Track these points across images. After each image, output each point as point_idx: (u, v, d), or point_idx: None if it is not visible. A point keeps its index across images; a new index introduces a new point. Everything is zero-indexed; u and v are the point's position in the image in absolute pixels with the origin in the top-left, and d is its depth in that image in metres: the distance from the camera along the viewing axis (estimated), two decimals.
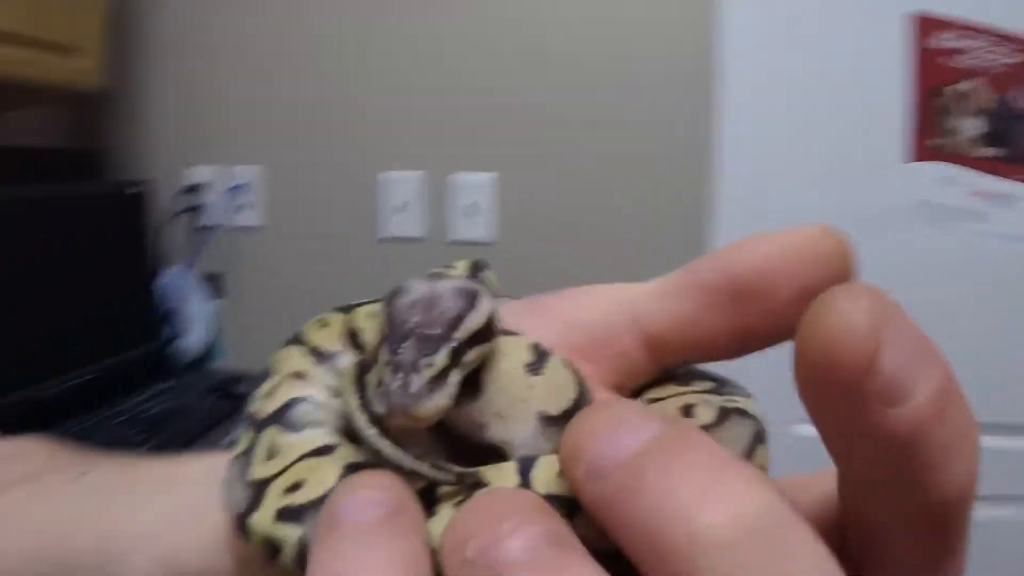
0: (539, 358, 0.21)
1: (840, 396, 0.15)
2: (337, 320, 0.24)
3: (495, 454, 0.20)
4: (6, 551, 0.40)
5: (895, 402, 0.14)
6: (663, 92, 1.34)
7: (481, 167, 1.51)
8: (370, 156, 1.60)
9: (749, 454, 0.20)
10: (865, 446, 0.15)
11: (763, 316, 0.20)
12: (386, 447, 0.18)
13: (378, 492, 0.17)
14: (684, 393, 0.22)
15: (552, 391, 0.20)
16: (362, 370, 0.20)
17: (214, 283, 1.81)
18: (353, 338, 0.23)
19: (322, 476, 0.20)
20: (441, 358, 0.18)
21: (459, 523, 0.16)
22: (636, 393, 0.24)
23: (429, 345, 0.18)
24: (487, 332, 0.20)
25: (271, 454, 0.21)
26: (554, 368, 0.21)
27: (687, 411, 0.21)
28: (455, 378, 0.18)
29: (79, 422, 1.45)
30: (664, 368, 0.23)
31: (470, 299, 0.20)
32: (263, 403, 0.22)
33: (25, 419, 1.41)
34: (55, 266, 1.47)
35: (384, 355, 0.18)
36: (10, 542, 0.40)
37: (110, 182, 1.78)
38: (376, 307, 0.22)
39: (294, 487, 0.20)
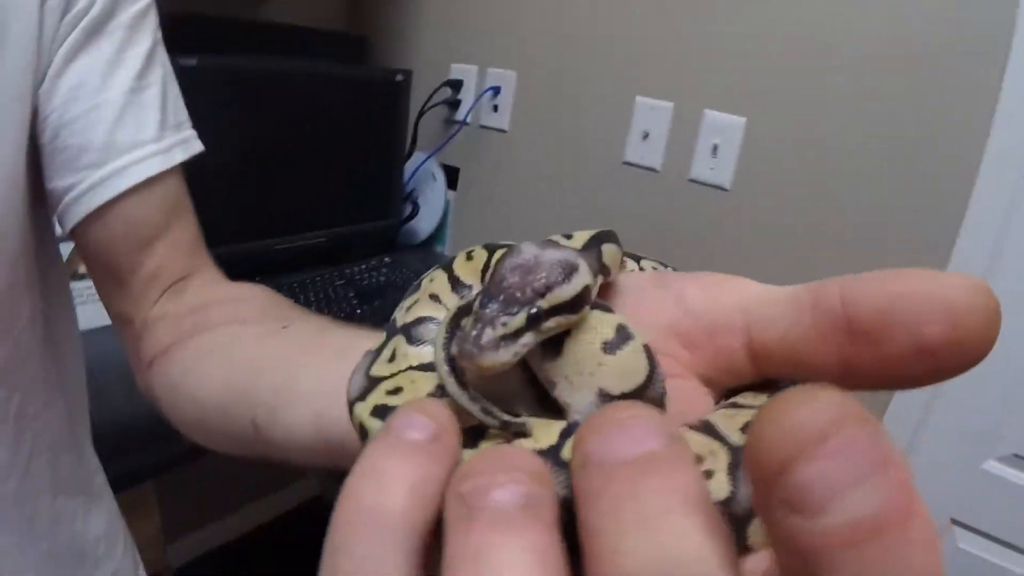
0: (620, 338, 0.22)
1: (757, 486, 0.14)
2: (481, 256, 0.26)
3: (560, 410, 0.22)
4: (208, 375, 0.48)
5: (803, 513, 0.13)
6: (942, 77, 1.20)
7: (732, 109, 1.45)
8: (624, 79, 1.58)
9: None
10: (776, 542, 0.14)
11: (874, 360, 0.19)
12: (450, 383, 0.20)
13: (425, 418, 0.19)
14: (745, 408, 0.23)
15: (619, 372, 0.21)
16: (461, 312, 0.22)
17: (451, 176, 1.91)
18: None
19: (419, 388, 0.23)
20: (518, 320, 0.20)
21: (470, 463, 0.18)
22: (731, 392, 0.24)
23: (512, 306, 0.20)
24: (574, 304, 0.21)
25: (392, 357, 0.25)
26: (631, 351, 0.22)
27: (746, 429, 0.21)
28: (527, 339, 0.20)
29: (305, 276, 1.62)
30: (765, 376, 0.23)
31: (567, 271, 0.21)
32: (403, 314, 0.25)
33: (261, 266, 1.60)
34: (317, 135, 1.62)
35: (476, 305, 0.20)
36: (212, 368, 0.48)
37: (379, 68, 1.91)
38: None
39: (396, 390, 0.24)
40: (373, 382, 0.24)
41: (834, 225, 1.36)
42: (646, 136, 1.57)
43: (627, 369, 0.21)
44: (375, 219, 1.80)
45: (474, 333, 0.19)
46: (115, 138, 0.53)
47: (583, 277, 0.21)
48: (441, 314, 0.25)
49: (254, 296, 0.56)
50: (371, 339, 0.34)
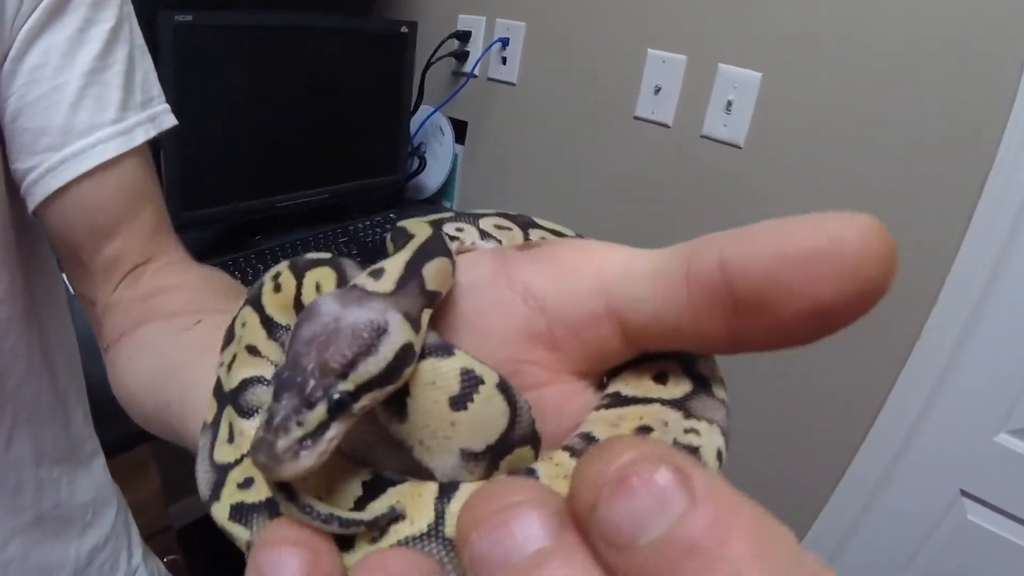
0: (467, 388, 0.19)
1: (583, 533, 0.15)
2: (289, 285, 0.23)
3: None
4: (137, 371, 0.47)
5: (619, 547, 0.14)
6: (974, 37, 1.14)
7: (747, 63, 1.39)
8: (636, 31, 1.52)
9: None
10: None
11: (765, 327, 0.17)
12: (280, 499, 0.18)
13: (290, 553, 0.17)
14: (649, 402, 0.21)
15: (477, 427, 0.19)
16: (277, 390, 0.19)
17: (459, 130, 1.87)
18: (300, 307, 0.23)
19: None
20: (315, 416, 0.17)
21: None
22: (615, 371, 0.22)
23: (308, 398, 0.17)
24: (390, 374, 0.18)
25: (231, 436, 0.23)
26: (483, 401, 0.19)
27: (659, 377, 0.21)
28: (333, 432, 0.18)
29: (309, 234, 1.61)
30: (647, 352, 0.21)
31: (373, 336, 0.18)
32: (225, 375, 0.23)
33: (264, 224, 1.59)
34: (320, 90, 1.59)
35: (269, 396, 0.18)
36: (140, 364, 0.48)
37: (384, 19, 1.86)
38: (323, 270, 0.23)
39: (247, 482, 0.21)
40: (221, 473, 0.22)
41: (849, 186, 1.32)
42: (658, 90, 1.51)
43: (484, 421, 0.19)
44: (381, 174, 1.77)
45: (268, 438, 0.17)
46: (73, 120, 0.52)
47: (396, 337, 0.19)
48: (264, 370, 0.23)
49: (196, 284, 0.56)
50: None
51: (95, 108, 0.53)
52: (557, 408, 0.22)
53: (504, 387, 0.19)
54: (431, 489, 0.19)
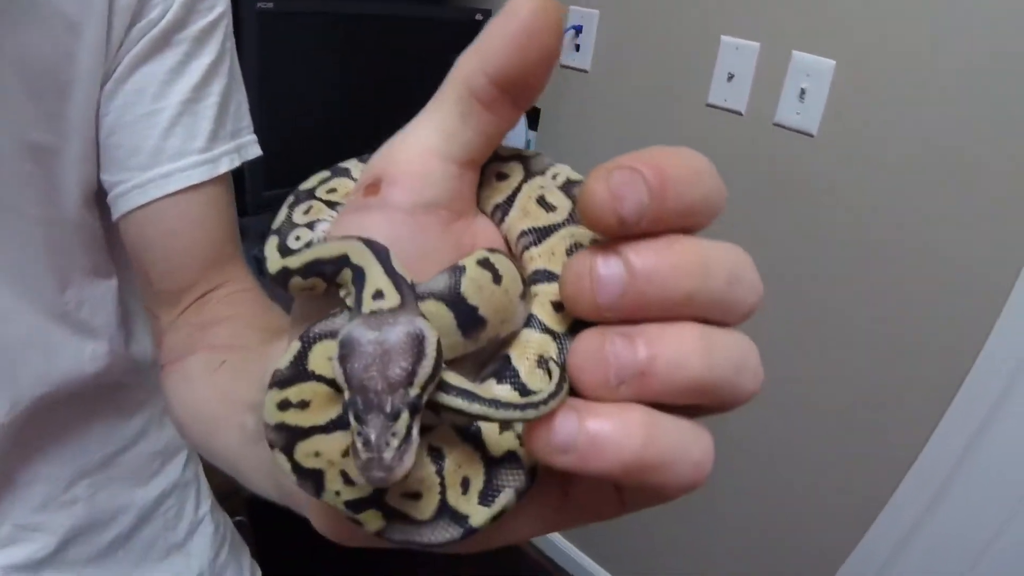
0: (492, 270, 0.24)
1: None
2: (314, 391, 0.25)
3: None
4: (184, 412, 0.51)
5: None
6: None
7: (821, 51, 1.37)
8: (709, 17, 1.52)
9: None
10: None
11: (535, 90, 0.24)
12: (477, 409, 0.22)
13: None
14: (520, 187, 0.27)
15: (515, 282, 0.24)
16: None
17: (532, 116, 1.89)
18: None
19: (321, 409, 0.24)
20: (401, 424, 0.20)
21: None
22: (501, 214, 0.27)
23: (392, 413, 0.20)
24: (438, 366, 0.21)
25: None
26: (505, 265, 0.24)
27: (542, 201, 0.26)
28: (415, 430, 0.21)
29: None
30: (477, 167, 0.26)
31: (417, 345, 0.21)
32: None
33: None
34: (397, 76, 1.64)
35: (353, 421, 0.21)
36: (185, 407, 0.51)
37: (459, 7, 1.89)
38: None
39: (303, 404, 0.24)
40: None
41: (922, 176, 1.29)
42: (731, 77, 1.51)
43: (513, 277, 0.24)
44: None
45: (374, 456, 0.20)
46: (165, 144, 0.55)
47: (430, 336, 0.21)
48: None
49: (247, 318, 0.57)
50: (249, 390, 0.37)
51: (186, 136, 0.56)
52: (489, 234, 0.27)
53: (494, 254, 0.24)
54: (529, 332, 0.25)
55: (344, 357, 0.21)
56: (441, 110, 0.24)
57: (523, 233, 0.26)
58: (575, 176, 0.27)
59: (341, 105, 1.54)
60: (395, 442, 0.20)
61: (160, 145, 0.55)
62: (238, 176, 0.63)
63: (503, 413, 0.21)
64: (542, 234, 0.26)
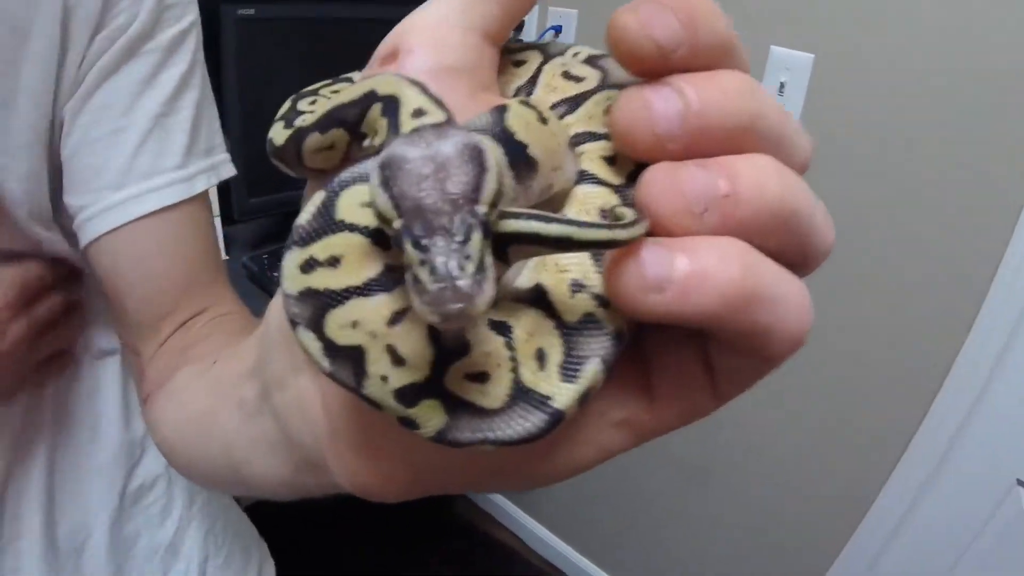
0: (539, 115, 0.21)
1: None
2: (347, 243, 0.20)
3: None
4: (171, 430, 0.47)
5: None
6: None
7: (800, 46, 1.38)
8: None
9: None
10: None
11: None
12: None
13: None
14: (540, 68, 0.25)
15: (562, 129, 0.22)
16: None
17: None
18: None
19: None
20: (474, 246, 0.16)
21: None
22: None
23: (460, 231, 0.16)
24: (502, 183, 0.18)
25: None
26: (548, 112, 0.22)
27: (567, 75, 0.24)
28: (489, 256, 0.17)
29: None
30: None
31: (478, 157, 0.17)
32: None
33: None
34: None
35: (410, 250, 0.16)
36: (172, 423, 0.47)
37: None
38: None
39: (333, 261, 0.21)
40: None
41: (903, 166, 1.30)
42: None
43: (559, 124, 0.22)
44: None
45: (446, 285, 0.16)
46: (136, 162, 0.51)
47: (489, 149, 0.18)
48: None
49: (236, 330, 0.54)
50: (246, 366, 0.34)
51: (158, 152, 0.52)
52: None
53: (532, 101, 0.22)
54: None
55: (388, 180, 0.17)
56: None
57: (554, 106, 0.24)
58: (596, 52, 0.25)
59: None
60: (470, 266, 0.16)
61: (130, 163, 0.51)
62: (223, 184, 0.60)
63: (590, 233, 0.18)
64: (575, 103, 0.23)
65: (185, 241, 0.54)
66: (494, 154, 0.18)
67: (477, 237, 0.16)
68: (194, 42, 0.56)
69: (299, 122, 0.24)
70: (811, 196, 0.20)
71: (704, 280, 0.17)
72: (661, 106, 0.19)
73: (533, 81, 0.25)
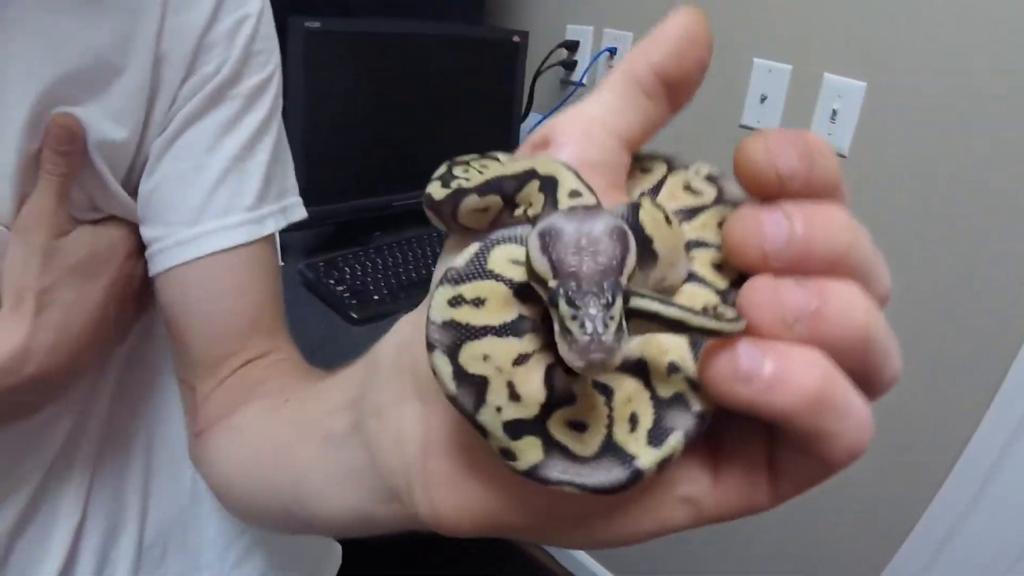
0: (667, 218, 0.24)
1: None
2: (492, 290, 0.23)
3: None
4: (233, 457, 0.48)
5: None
6: None
7: (852, 73, 1.39)
8: (742, 40, 1.54)
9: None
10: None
11: (688, 94, 0.27)
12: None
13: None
14: (664, 179, 0.28)
15: (679, 239, 0.25)
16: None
17: None
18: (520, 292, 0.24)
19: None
20: (617, 309, 0.19)
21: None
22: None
23: (607, 296, 0.19)
24: (635, 266, 0.21)
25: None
26: (669, 221, 0.25)
27: (688, 188, 0.27)
28: (624, 319, 0.20)
29: (423, 232, 1.69)
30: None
31: (623, 239, 0.21)
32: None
33: (381, 221, 1.69)
34: (435, 95, 1.68)
35: (564, 306, 0.19)
36: (237, 449, 0.48)
37: (496, 28, 1.94)
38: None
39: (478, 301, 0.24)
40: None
41: (952, 194, 1.31)
42: (764, 99, 1.54)
43: (676, 233, 0.25)
44: None
45: (594, 338, 0.19)
46: (212, 201, 0.54)
47: (631, 233, 0.21)
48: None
49: (297, 372, 0.56)
50: (337, 402, 0.35)
51: (234, 192, 0.55)
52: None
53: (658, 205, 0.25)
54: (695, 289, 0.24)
55: (547, 245, 0.20)
56: (608, 90, 0.27)
57: (674, 213, 0.26)
58: (716, 171, 0.28)
59: (383, 122, 1.59)
60: (612, 326, 0.19)
61: (206, 201, 0.54)
62: None
63: (700, 320, 0.20)
64: (692, 213, 0.26)
65: (252, 282, 0.56)
66: (632, 237, 0.21)
67: (619, 303, 0.19)
68: (275, 89, 0.59)
69: (456, 184, 0.27)
70: (888, 329, 0.23)
71: (786, 381, 0.20)
72: (772, 228, 0.22)
73: (656, 189, 0.28)
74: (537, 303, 0.23)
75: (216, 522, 0.71)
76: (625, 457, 0.21)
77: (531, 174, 0.24)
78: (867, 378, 0.23)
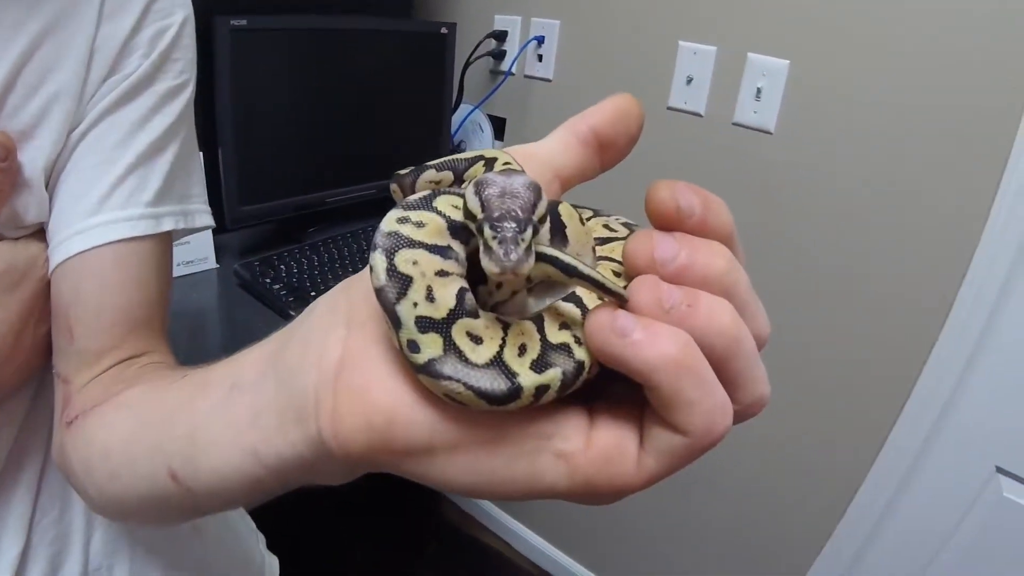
0: (576, 214, 0.31)
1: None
2: (428, 216, 0.28)
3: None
4: (119, 425, 0.48)
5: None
6: (1001, 28, 1.17)
7: (776, 52, 1.43)
8: (666, 24, 1.57)
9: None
10: None
11: (616, 156, 0.33)
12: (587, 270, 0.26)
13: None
14: (590, 218, 0.35)
15: (589, 231, 0.32)
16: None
17: (498, 126, 1.94)
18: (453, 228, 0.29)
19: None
20: (528, 235, 0.24)
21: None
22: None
23: (519, 225, 0.24)
24: (545, 215, 0.27)
25: (477, 340, 0.28)
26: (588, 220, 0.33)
27: (607, 227, 0.34)
28: (532, 247, 0.25)
29: (357, 227, 1.69)
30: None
31: (537, 191, 0.26)
32: (425, 309, 0.26)
33: (313, 217, 1.67)
34: (365, 89, 1.67)
35: (487, 230, 0.24)
36: (123, 420, 0.48)
37: (424, 21, 1.94)
38: (448, 197, 0.29)
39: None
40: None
41: (875, 168, 1.35)
42: (690, 81, 1.56)
43: (587, 229, 0.31)
44: None
45: (508, 250, 0.24)
46: (114, 193, 0.55)
47: (543, 192, 0.27)
48: (462, 282, 0.28)
49: (161, 375, 0.54)
50: (253, 356, 0.36)
51: (135, 188, 0.56)
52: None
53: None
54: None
55: (480, 191, 0.26)
56: (552, 137, 0.33)
57: (591, 234, 0.33)
58: (631, 221, 0.35)
59: (313, 119, 1.57)
60: (523, 246, 0.24)
61: (109, 193, 0.55)
62: (215, 192, 0.60)
63: (589, 271, 0.25)
64: (606, 240, 0.33)
65: (144, 277, 0.57)
66: (544, 194, 0.27)
67: (528, 232, 0.24)
68: (187, 98, 0.61)
69: (424, 164, 0.34)
70: (754, 348, 0.27)
71: (654, 342, 0.24)
72: (662, 243, 0.26)
73: (582, 221, 0.33)
74: (464, 242, 0.28)
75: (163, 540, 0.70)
76: (510, 372, 0.25)
77: (479, 158, 0.31)
78: (730, 383, 0.26)
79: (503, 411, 0.25)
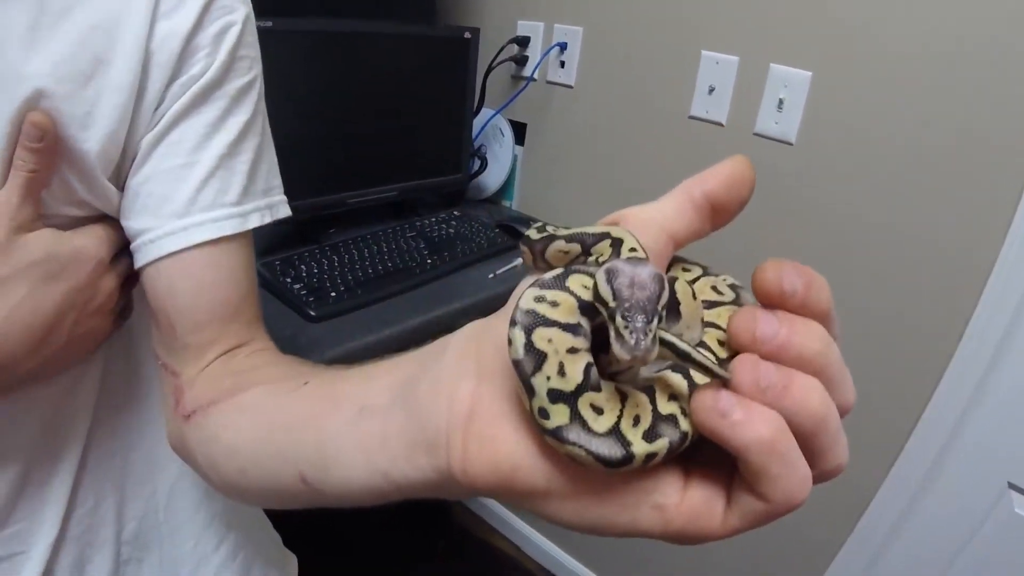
0: (694, 275, 0.36)
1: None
2: (561, 296, 0.31)
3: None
4: (245, 429, 0.50)
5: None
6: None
7: (798, 63, 1.43)
8: (689, 33, 1.57)
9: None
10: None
11: (727, 218, 0.35)
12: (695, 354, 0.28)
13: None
14: (699, 278, 0.36)
15: (698, 307, 0.33)
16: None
17: (519, 132, 1.95)
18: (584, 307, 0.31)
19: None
20: (655, 325, 0.27)
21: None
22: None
23: (648, 316, 0.27)
24: (668, 301, 0.29)
25: (598, 411, 0.31)
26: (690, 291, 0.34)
27: (715, 288, 0.35)
28: (656, 335, 0.27)
29: (378, 229, 1.69)
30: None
31: (661, 282, 0.28)
32: (557, 382, 0.29)
33: (335, 219, 1.69)
34: (388, 93, 1.68)
35: (619, 319, 0.27)
36: (248, 423, 0.51)
37: (447, 26, 1.95)
38: (579, 276, 0.32)
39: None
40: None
41: (894, 181, 1.35)
42: (712, 90, 1.57)
43: (697, 304, 0.34)
44: (444, 174, 1.86)
45: (639, 339, 0.26)
46: (200, 196, 0.57)
47: (666, 280, 0.29)
48: (588, 358, 0.30)
49: (290, 360, 0.59)
50: (383, 383, 0.39)
51: (220, 189, 0.58)
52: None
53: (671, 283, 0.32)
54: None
55: (611, 279, 0.28)
56: (668, 199, 0.35)
57: (700, 300, 0.35)
58: (737, 282, 0.36)
59: (336, 121, 1.58)
60: (650, 336, 0.26)
61: (195, 196, 0.56)
62: None
63: (700, 358, 0.28)
64: (713, 304, 0.34)
65: (236, 274, 0.59)
66: (667, 291, 0.29)
67: (655, 323, 0.27)
68: (257, 93, 0.62)
69: (551, 231, 0.36)
70: (838, 424, 0.29)
71: (751, 423, 0.26)
72: (764, 322, 0.29)
73: (692, 283, 0.35)
74: (592, 319, 0.30)
75: (193, 533, 0.73)
76: (625, 441, 0.28)
77: (605, 235, 0.34)
78: (813, 455, 0.29)
79: (615, 472, 0.28)
